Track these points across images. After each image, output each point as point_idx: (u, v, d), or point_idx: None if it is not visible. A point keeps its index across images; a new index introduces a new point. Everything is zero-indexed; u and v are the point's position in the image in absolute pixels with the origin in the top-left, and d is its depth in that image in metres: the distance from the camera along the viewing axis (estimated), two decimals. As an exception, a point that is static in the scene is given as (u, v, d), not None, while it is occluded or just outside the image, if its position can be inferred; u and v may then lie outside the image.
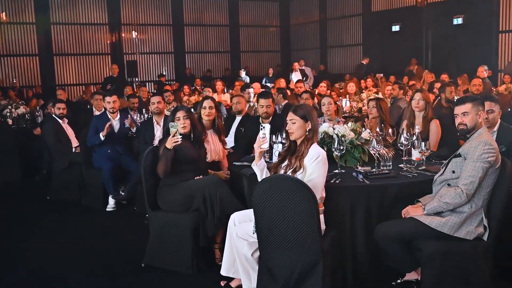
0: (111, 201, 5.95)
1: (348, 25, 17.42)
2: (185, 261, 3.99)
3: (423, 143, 3.92)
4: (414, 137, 3.98)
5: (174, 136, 3.92)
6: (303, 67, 15.07)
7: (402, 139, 4.04)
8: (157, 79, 16.59)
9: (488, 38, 13.07)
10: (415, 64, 13.73)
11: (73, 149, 6.64)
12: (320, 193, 3.26)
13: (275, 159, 3.99)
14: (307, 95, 7.04)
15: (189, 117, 4.25)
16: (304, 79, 13.22)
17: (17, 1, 15.20)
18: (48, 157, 6.92)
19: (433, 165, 3.99)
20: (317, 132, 3.49)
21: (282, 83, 9.96)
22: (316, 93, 9.20)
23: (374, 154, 3.88)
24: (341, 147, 3.81)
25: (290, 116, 3.41)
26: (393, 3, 15.64)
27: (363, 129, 4.32)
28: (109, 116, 6.13)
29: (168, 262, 4.07)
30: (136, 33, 17.17)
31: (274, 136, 4.09)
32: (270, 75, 15.19)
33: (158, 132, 5.87)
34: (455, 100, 4.88)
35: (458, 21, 13.57)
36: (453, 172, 3.32)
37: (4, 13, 14.75)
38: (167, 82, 15.48)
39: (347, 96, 9.02)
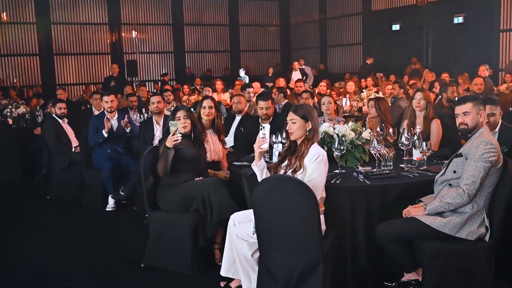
0: (111, 201, 5.94)
1: (348, 24, 17.40)
2: (185, 262, 3.98)
3: (424, 143, 3.90)
4: (415, 137, 3.96)
5: (174, 134, 3.91)
6: (303, 67, 15.07)
7: (403, 139, 4.02)
8: (160, 78, 16.59)
9: (489, 37, 13.05)
10: (416, 63, 13.72)
11: (73, 149, 6.64)
12: (320, 193, 3.24)
13: (275, 159, 3.97)
14: (307, 94, 7.02)
15: (189, 117, 4.25)
16: (304, 79, 13.22)
17: (18, 1, 15.20)
18: (48, 157, 6.90)
19: (434, 165, 3.97)
20: (318, 132, 3.47)
21: (281, 82, 9.95)
22: (316, 92, 9.18)
23: (375, 154, 3.87)
24: (342, 147, 3.79)
25: (291, 116, 3.39)
26: (393, 2, 15.62)
27: (364, 128, 4.30)
28: (107, 116, 6.12)
29: (168, 262, 4.06)
30: (136, 33, 17.16)
31: (274, 136, 4.07)
32: (270, 75, 15.18)
33: (158, 132, 5.86)
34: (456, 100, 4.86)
35: (458, 20, 13.56)
36: (454, 172, 3.31)
37: (4, 13, 14.75)
38: (169, 82, 15.45)
39: (347, 95, 9.01)
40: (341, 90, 10.43)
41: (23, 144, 7.82)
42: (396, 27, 15.47)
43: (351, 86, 9.51)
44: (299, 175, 3.26)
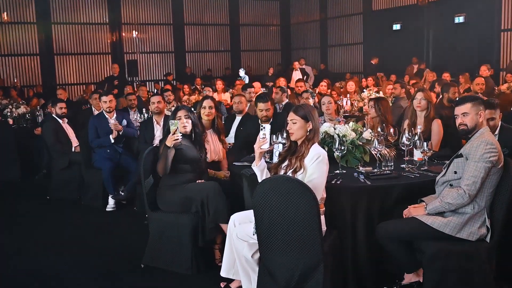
0: (111, 201, 5.93)
1: (348, 24, 17.38)
2: (185, 262, 3.97)
3: (425, 143, 3.88)
4: (416, 137, 3.95)
5: (174, 134, 3.89)
6: (304, 66, 15.06)
7: (404, 139, 4.00)
8: (163, 78, 16.57)
9: (490, 37, 13.03)
10: (421, 62, 13.70)
11: (73, 149, 6.63)
12: (320, 193, 3.23)
13: (275, 159, 3.96)
14: (308, 94, 7.01)
15: (190, 117, 4.24)
16: (304, 78, 13.21)
17: (18, 1, 15.21)
18: (48, 157, 6.90)
19: (435, 165, 3.95)
20: (318, 132, 3.46)
21: (282, 82, 9.94)
22: (317, 92, 9.17)
23: (376, 154, 3.85)
24: (342, 147, 3.78)
25: (291, 116, 3.38)
26: (394, 1, 15.60)
27: (364, 129, 4.29)
28: (106, 116, 6.10)
29: (168, 263, 4.05)
30: (136, 33, 17.15)
31: (274, 136, 4.06)
32: (270, 75, 15.17)
33: (158, 132, 5.85)
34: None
35: (459, 19, 13.53)
36: (455, 172, 3.30)
37: (5, 13, 14.75)
38: (172, 81, 15.44)
39: (348, 95, 8.99)
40: (341, 90, 10.42)
41: (23, 144, 7.82)
42: (396, 26, 15.45)
43: (351, 86, 9.50)
44: (299, 176, 3.25)
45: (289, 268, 3.11)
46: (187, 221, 3.97)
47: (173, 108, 7.16)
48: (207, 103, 4.87)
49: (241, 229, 3.40)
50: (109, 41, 16.79)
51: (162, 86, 13.57)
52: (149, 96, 8.66)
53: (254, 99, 6.96)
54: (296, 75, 14.06)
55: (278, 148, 4.01)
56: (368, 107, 5.29)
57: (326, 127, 4.10)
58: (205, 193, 3.92)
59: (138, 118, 6.97)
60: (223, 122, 5.70)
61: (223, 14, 18.58)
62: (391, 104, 7.13)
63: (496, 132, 4.05)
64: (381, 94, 8.27)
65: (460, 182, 3.23)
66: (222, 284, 3.68)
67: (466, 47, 13.14)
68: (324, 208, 3.29)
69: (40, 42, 15.66)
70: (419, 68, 13.28)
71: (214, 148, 4.79)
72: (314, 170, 3.23)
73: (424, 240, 3.29)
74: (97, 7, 16.37)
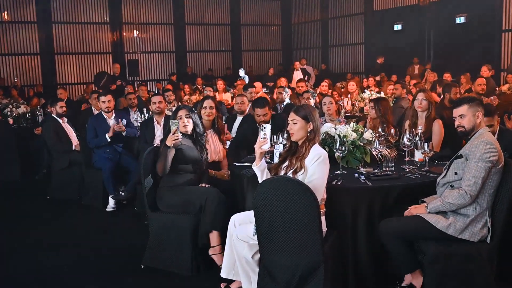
0: (111, 201, 5.91)
1: (350, 24, 17.37)
2: (185, 263, 3.96)
3: (426, 144, 3.87)
4: (417, 138, 3.93)
5: (174, 133, 3.88)
6: (305, 66, 15.05)
7: (405, 139, 3.99)
8: (167, 77, 16.55)
9: (491, 37, 13.01)
10: (418, 63, 13.68)
11: (73, 147, 6.59)
12: (321, 194, 3.22)
13: (276, 159, 3.94)
14: (309, 94, 6.99)
15: (191, 117, 4.22)
16: (306, 78, 13.20)
17: (19, 1, 15.22)
18: (48, 157, 6.89)
19: (436, 166, 3.94)
20: (319, 132, 3.45)
21: (283, 82, 9.92)
22: (318, 92, 9.15)
23: (376, 155, 3.84)
24: (343, 148, 3.77)
25: (292, 116, 3.37)
26: (395, 1, 15.59)
27: (365, 129, 4.27)
28: (105, 116, 6.08)
29: (168, 264, 4.04)
30: (137, 32, 17.15)
31: (275, 137, 4.05)
32: (270, 75, 15.16)
33: (158, 132, 5.84)
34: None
35: (460, 20, 13.52)
36: (456, 173, 3.29)
37: (6, 12, 14.75)
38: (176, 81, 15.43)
39: (349, 95, 8.98)
40: (342, 90, 10.40)
41: (23, 143, 7.81)
42: (398, 27, 15.44)
43: (352, 86, 9.48)
44: (300, 176, 3.23)
45: (290, 269, 3.10)
46: (187, 222, 3.96)
47: (173, 108, 7.17)
48: (207, 103, 4.86)
49: (241, 229, 3.39)
50: (109, 40, 16.79)
51: (163, 86, 13.58)
52: (150, 96, 8.66)
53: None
54: (297, 75, 14.05)
55: (278, 149, 4.00)
56: (369, 108, 5.28)
57: (327, 127, 4.08)
58: (205, 197, 3.90)
59: (138, 118, 6.96)
60: (224, 123, 5.68)
61: (224, 13, 18.57)
62: (391, 105, 7.12)
63: (495, 137, 4.03)
64: (382, 95, 8.26)
65: (461, 183, 3.21)
66: (222, 285, 3.67)
67: (467, 48, 13.12)
68: (324, 209, 3.28)
69: (40, 41, 15.67)
70: (424, 68, 13.23)
71: (214, 148, 4.78)
72: (315, 170, 3.22)
73: (426, 240, 3.28)
74: (97, 6, 16.38)
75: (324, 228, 3.21)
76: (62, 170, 6.49)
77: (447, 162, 3.48)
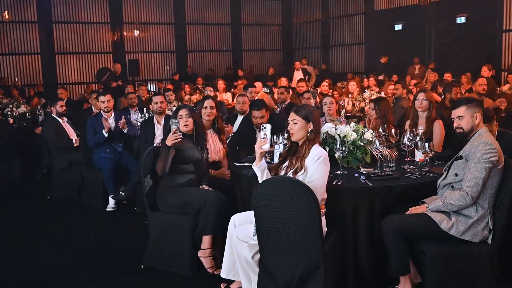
0: (111, 201, 5.91)
1: (350, 24, 17.36)
2: (185, 263, 3.95)
3: (426, 144, 3.86)
4: (417, 138, 3.93)
5: (174, 133, 3.87)
6: (305, 66, 15.04)
7: (405, 139, 3.98)
8: (170, 77, 16.54)
9: (492, 37, 13.00)
10: (419, 62, 13.66)
11: (74, 141, 6.57)
12: (321, 194, 3.21)
13: (276, 159, 3.94)
14: (309, 94, 6.98)
15: (191, 116, 4.20)
16: (306, 78, 13.19)
17: (20, 0, 15.21)
18: (48, 157, 6.89)
19: (436, 166, 3.94)
20: (319, 133, 3.44)
21: (284, 82, 9.91)
22: (318, 92, 9.14)
23: (377, 155, 3.83)
24: (343, 148, 3.76)
25: (292, 116, 3.36)
26: (396, 1, 15.58)
27: (366, 129, 4.26)
28: (104, 116, 6.07)
29: (168, 264, 4.03)
30: (138, 32, 17.15)
31: (275, 137, 4.04)
32: (270, 74, 15.16)
33: (158, 131, 5.83)
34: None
35: (461, 20, 13.51)
36: (456, 175, 3.28)
37: (6, 12, 14.75)
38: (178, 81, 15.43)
39: (349, 95, 8.97)
40: (343, 90, 10.39)
41: (23, 143, 7.81)
42: (398, 27, 15.43)
43: (352, 86, 9.47)
44: (300, 176, 3.23)
45: (290, 269, 3.09)
46: (188, 222, 3.95)
47: (173, 108, 7.16)
48: (208, 103, 4.84)
49: (241, 230, 3.38)
50: (110, 40, 16.79)
51: (164, 86, 13.57)
52: (150, 96, 8.65)
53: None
54: (298, 75, 14.05)
55: (279, 149, 3.99)
56: (369, 108, 5.27)
57: (327, 127, 4.07)
58: (204, 200, 3.89)
59: (138, 117, 6.96)
60: (224, 123, 5.67)
61: (225, 13, 18.56)
62: (392, 105, 7.11)
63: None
64: (382, 95, 8.25)
65: (461, 184, 3.20)
66: (222, 285, 3.67)
67: (468, 48, 13.11)
68: (325, 209, 3.27)
69: (41, 41, 15.66)
70: (427, 67, 13.19)
71: (214, 148, 4.77)
72: (315, 170, 3.21)
73: (427, 239, 3.27)
74: (98, 6, 16.37)
75: (324, 228, 3.21)
76: (62, 170, 6.50)
77: (448, 163, 3.47)
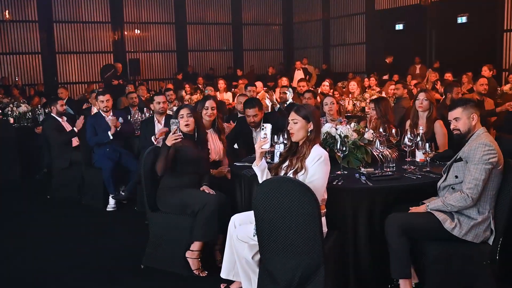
0: (112, 201, 5.90)
1: (351, 24, 17.35)
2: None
3: (427, 144, 3.86)
4: (418, 138, 3.92)
5: (174, 133, 3.85)
6: (306, 66, 15.03)
7: (406, 140, 3.97)
8: (173, 76, 16.55)
9: (493, 37, 12.98)
10: (420, 62, 13.64)
11: (75, 132, 6.57)
12: (322, 194, 3.20)
13: (276, 159, 3.93)
14: (310, 94, 6.97)
15: (193, 116, 4.18)
16: (307, 78, 13.18)
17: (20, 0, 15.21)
18: (48, 156, 6.89)
19: (437, 166, 3.92)
20: (320, 133, 3.43)
21: (284, 81, 9.90)
22: (319, 92, 9.13)
23: (377, 155, 3.82)
24: (344, 148, 3.75)
25: (292, 116, 3.35)
26: (397, 1, 15.56)
27: (366, 129, 4.26)
28: (103, 115, 6.07)
29: (168, 264, 4.03)
30: (138, 31, 17.15)
31: (275, 137, 4.03)
32: (270, 74, 15.14)
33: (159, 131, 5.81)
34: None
35: (462, 19, 13.51)
36: (456, 177, 3.26)
37: (7, 11, 14.76)
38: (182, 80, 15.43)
39: (350, 95, 8.96)
40: (344, 90, 10.37)
41: (24, 143, 7.81)
42: (399, 26, 15.42)
43: (353, 86, 9.46)
44: (300, 177, 3.22)
45: (290, 269, 3.08)
46: (187, 222, 3.94)
47: (174, 108, 7.15)
48: (209, 103, 4.82)
49: (241, 230, 3.37)
50: (111, 40, 16.79)
51: (166, 85, 13.58)
52: (150, 96, 8.65)
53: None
54: (298, 74, 14.04)
55: (279, 149, 3.98)
56: (370, 108, 5.26)
57: (327, 127, 4.07)
58: (204, 204, 3.87)
59: (139, 117, 6.96)
60: (224, 122, 5.67)
61: (226, 13, 18.55)
62: (392, 104, 7.10)
63: None
64: (383, 95, 8.24)
65: (462, 185, 3.19)
66: (222, 286, 3.66)
67: (468, 48, 13.09)
68: (325, 209, 3.26)
69: (41, 40, 15.67)
70: (432, 67, 13.15)
71: (214, 147, 4.76)
72: (315, 171, 3.20)
73: (429, 238, 3.25)
74: (99, 5, 16.38)
75: (325, 229, 3.20)
76: (63, 169, 6.50)
77: (448, 163, 3.46)
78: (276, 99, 8.44)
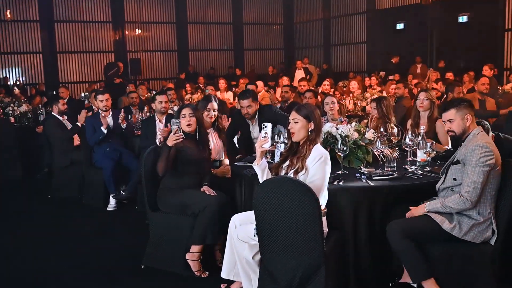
0: (112, 201, 5.90)
1: (352, 23, 17.33)
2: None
3: (428, 144, 3.84)
4: (419, 138, 3.91)
5: (175, 133, 3.84)
6: (307, 65, 15.02)
7: (407, 139, 3.96)
8: (176, 76, 16.56)
9: (494, 37, 12.96)
10: (420, 62, 13.63)
11: (79, 127, 6.57)
12: (322, 194, 3.19)
13: (277, 159, 3.92)
14: (310, 93, 6.96)
15: (195, 115, 4.16)
16: (308, 77, 13.18)
17: (21, -1, 15.25)
18: (49, 155, 6.89)
19: (438, 166, 3.91)
20: (320, 132, 3.42)
21: (285, 81, 9.89)
22: (320, 91, 9.12)
23: (378, 155, 3.81)
24: (345, 148, 3.74)
25: (293, 115, 3.34)
26: (398, 0, 15.55)
27: (367, 129, 4.24)
28: (103, 114, 6.06)
29: (168, 264, 4.02)
30: (139, 31, 17.15)
31: (276, 136, 4.02)
32: (271, 73, 15.14)
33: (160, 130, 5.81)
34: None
35: (463, 19, 13.49)
36: (455, 179, 3.25)
37: (8, 11, 14.77)
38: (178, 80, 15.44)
39: (350, 94, 8.95)
40: (344, 89, 10.36)
41: (25, 142, 7.81)
42: (400, 26, 15.40)
43: (354, 85, 9.45)
44: (301, 176, 3.21)
45: (290, 269, 3.07)
46: (188, 222, 3.93)
47: (174, 107, 7.14)
48: (211, 106, 4.77)
49: (241, 230, 3.36)
50: (112, 39, 16.80)
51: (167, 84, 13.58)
52: (151, 95, 8.64)
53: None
54: (299, 74, 14.03)
55: (279, 148, 3.98)
56: (371, 107, 5.25)
57: (328, 127, 4.06)
58: (204, 206, 3.86)
59: (139, 117, 6.95)
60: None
61: (226, 12, 18.55)
62: (393, 104, 7.09)
63: None
64: (384, 94, 8.22)
65: (460, 188, 3.17)
66: (222, 286, 3.65)
67: (469, 47, 13.07)
68: (326, 210, 3.25)
69: (43, 40, 15.69)
70: (437, 66, 13.12)
71: (215, 146, 4.75)
72: (316, 171, 3.19)
73: (430, 240, 3.24)
74: (100, 5, 16.39)
75: (325, 229, 3.19)
76: (63, 169, 6.49)
77: (445, 164, 3.44)
78: (277, 98, 8.45)
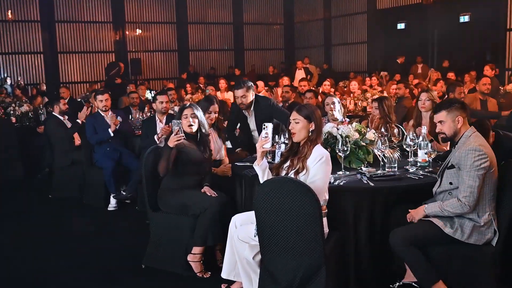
0: (113, 201, 5.90)
1: (352, 23, 17.32)
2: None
3: (429, 144, 3.83)
4: (420, 138, 3.90)
5: (176, 134, 3.83)
6: (307, 65, 15.01)
7: (408, 140, 3.95)
8: (177, 76, 16.55)
9: (495, 36, 12.94)
10: (421, 62, 13.61)
11: (79, 124, 6.58)
12: (323, 195, 3.19)
13: (277, 159, 3.91)
14: (311, 94, 6.96)
15: (197, 116, 4.13)
16: (308, 77, 13.17)
17: (22, 0, 15.22)
18: (50, 155, 6.89)
19: (439, 167, 3.90)
20: (321, 133, 3.42)
21: (286, 81, 9.88)
22: (320, 91, 9.12)
23: (379, 155, 3.80)
24: (345, 148, 3.73)
25: (294, 115, 3.33)
26: (399, 0, 15.52)
27: (368, 129, 4.24)
28: (102, 114, 6.06)
29: (169, 264, 4.02)
30: (140, 31, 17.16)
31: (277, 136, 4.02)
32: (271, 73, 15.13)
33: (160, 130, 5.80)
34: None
35: (464, 18, 13.46)
36: (451, 183, 3.23)
37: (9, 11, 14.78)
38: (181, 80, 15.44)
39: (351, 95, 8.94)
40: (345, 89, 10.36)
41: (26, 142, 7.81)
42: (401, 26, 15.38)
43: (354, 85, 9.45)
44: (301, 177, 3.20)
45: (291, 270, 3.07)
46: (189, 223, 3.93)
47: (174, 107, 7.13)
48: (213, 108, 4.75)
49: (242, 230, 3.36)
50: (112, 39, 16.81)
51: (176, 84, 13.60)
52: (152, 95, 8.65)
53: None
54: (300, 74, 14.02)
55: (280, 148, 3.97)
56: (372, 108, 5.24)
57: (329, 127, 4.05)
58: (204, 207, 3.85)
59: (140, 116, 6.94)
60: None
61: (227, 12, 18.54)
62: (394, 104, 7.08)
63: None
64: (385, 94, 8.22)
65: (457, 192, 3.16)
66: (223, 286, 3.65)
67: (471, 47, 13.05)
68: (326, 210, 3.24)
69: (44, 40, 15.70)
70: (442, 66, 13.09)
71: (215, 146, 4.75)
72: (317, 171, 3.19)
73: (433, 244, 3.23)
74: (100, 5, 16.40)
75: (326, 229, 3.18)
76: (64, 168, 6.50)
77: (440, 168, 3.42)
78: (278, 98, 8.44)
